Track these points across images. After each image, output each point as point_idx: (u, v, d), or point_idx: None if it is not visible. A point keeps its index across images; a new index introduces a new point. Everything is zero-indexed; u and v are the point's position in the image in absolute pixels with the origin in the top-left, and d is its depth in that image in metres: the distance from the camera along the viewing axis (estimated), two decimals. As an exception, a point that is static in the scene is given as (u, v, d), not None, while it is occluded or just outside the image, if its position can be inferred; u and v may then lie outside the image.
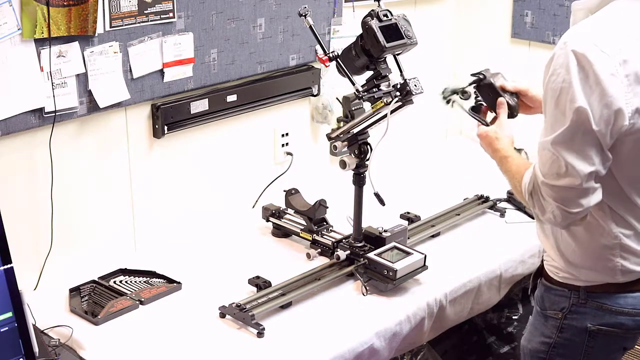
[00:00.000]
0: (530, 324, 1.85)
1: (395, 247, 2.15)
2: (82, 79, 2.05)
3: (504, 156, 1.76)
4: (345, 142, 2.09)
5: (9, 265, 1.63)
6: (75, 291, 2.06)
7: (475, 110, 1.96)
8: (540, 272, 1.83)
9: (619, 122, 1.50)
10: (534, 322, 1.83)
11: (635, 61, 1.49)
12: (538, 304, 1.81)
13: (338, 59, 2.00)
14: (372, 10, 1.97)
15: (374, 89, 2.01)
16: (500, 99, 1.89)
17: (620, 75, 1.47)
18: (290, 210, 2.41)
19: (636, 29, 1.53)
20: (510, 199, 2.60)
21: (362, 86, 2.01)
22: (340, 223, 2.32)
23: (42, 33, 1.91)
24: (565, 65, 1.49)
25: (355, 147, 2.10)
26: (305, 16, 1.99)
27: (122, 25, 2.09)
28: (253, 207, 2.65)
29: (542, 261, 1.82)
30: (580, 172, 1.51)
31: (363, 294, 2.07)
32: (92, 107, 2.09)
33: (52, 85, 1.98)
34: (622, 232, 1.64)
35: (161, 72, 2.23)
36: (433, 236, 2.42)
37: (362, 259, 2.12)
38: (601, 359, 1.74)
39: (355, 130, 2.08)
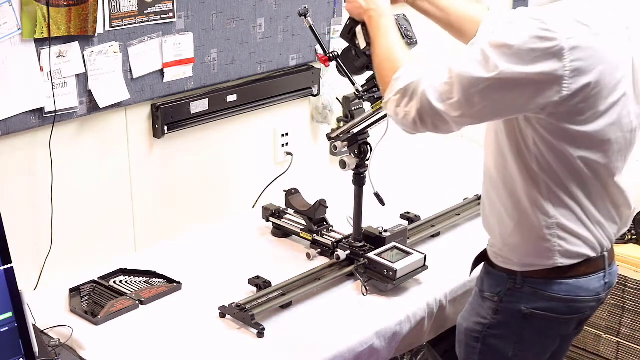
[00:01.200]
0: (469, 303, 1.88)
1: (395, 247, 2.15)
2: (82, 79, 2.05)
3: (388, 26, 1.73)
4: (345, 142, 2.09)
5: (9, 265, 1.63)
6: (75, 291, 2.06)
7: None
8: (482, 256, 1.85)
9: (550, 96, 1.50)
10: (472, 301, 1.85)
11: (583, 51, 1.48)
12: (478, 285, 1.83)
13: (338, 59, 2.00)
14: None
15: (374, 89, 2.00)
16: None
17: (568, 59, 1.47)
18: (290, 210, 2.41)
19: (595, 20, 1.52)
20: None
21: (362, 86, 2.01)
22: (340, 223, 2.32)
23: (42, 33, 1.91)
24: (527, 27, 1.48)
25: (355, 147, 2.10)
26: (305, 16, 1.99)
27: (122, 25, 2.09)
28: (253, 207, 2.65)
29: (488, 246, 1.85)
30: (463, 112, 1.54)
31: (363, 294, 2.07)
32: (92, 107, 2.09)
33: (52, 85, 1.98)
34: (559, 212, 1.64)
35: (161, 72, 2.23)
36: (433, 236, 2.42)
37: (362, 259, 2.12)
38: (535, 341, 1.76)
39: (355, 130, 2.08)
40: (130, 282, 2.13)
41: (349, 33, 1.90)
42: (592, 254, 1.69)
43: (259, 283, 2.05)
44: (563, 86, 1.48)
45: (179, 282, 2.11)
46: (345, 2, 1.87)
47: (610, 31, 1.53)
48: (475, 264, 1.88)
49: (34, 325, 1.78)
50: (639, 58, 1.61)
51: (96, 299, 2.04)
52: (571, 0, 1.55)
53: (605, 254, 1.72)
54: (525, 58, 1.47)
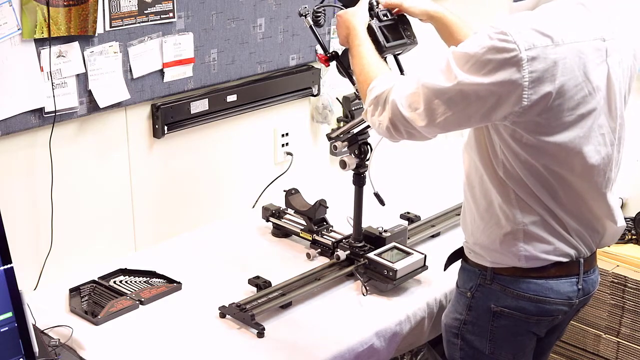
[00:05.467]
0: (450, 300, 1.91)
1: (395, 247, 2.15)
2: (82, 79, 2.05)
3: (361, 44, 1.79)
4: (345, 142, 2.09)
5: (9, 265, 1.63)
6: (75, 291, 2.06)
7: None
8: (458, 253, 1.87)
9: (512, 107, 1.50)
10: (452, 298, 1.88)
11: (542, 62, 1.47)
12: (456, 281, 1.85)
13: (338, 59, 2.00)
14: (372, 10, 1.96)
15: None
16: None
17: (527, 69, 1.47)
18: (290, 210, 2.41)
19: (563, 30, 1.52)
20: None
21: (362, 86, 2.01)
22: (340, 223, 2.32)
23: (42, 33, 1.91)
24: (486, 37, 1.48)
25: (355, 147, 2.10)
26: (305, 16, 1.99)
27: (122, 25, 2.09)
28: (253, 207, 2.65)
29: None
30: (429, 122, 1.56)
31: (363, 294, 2.07)
32: (92, 107, 2.09)
33: (52, 85, 1.98)
34: (527, 219, 1.65)
35: (161, 72, 2.23)
36: (433, 236, 2.42)
37: (362, 259, 2.12)
38: (507, 339, 1.77)
39: (355, 130, 2.08)
40: (130, 282, 2.13)
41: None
42: (563, 260, 1.69)
43: (259, 283, 2.05)
44: (523, 96, 1.48)
45: (179, 282, 2.11)
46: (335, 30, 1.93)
47: (579, 42, 1.51)
48: (450, 260, 1.91)
49: (34, 325, 1.78)
50: (615, 71, 1.59)
51: (96, 299, 2.04)
52: (541, 11, 1.55)
53: (581, 260, 1.71)
54: (484, 69, 1.48)
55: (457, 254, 1.88)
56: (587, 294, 1.77)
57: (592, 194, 1.66)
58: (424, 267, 2.13)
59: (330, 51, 2.01)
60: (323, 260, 2.24)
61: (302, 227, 2.34)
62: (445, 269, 1.93)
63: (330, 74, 2.67)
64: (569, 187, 1.63)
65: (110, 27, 2.06)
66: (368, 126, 2.07)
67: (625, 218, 2.71)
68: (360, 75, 1.76)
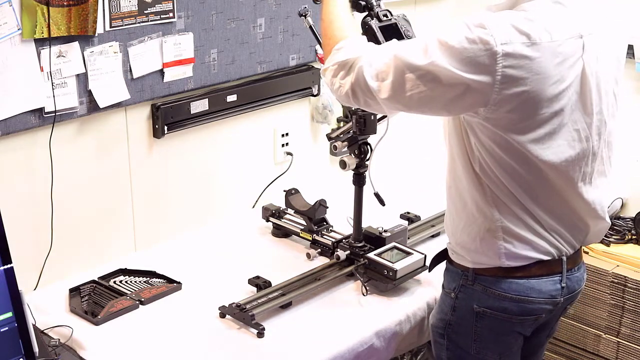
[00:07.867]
0: (437, 300, 1.92)
1: (395, 247, 2.15)
2: (82, 79, 2.05)
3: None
4: (345, 142, 2.09)
5: (9, 265, 1.63)
6: (75, 291, 2.06)
7: None
8: (442, 254, 1.87)
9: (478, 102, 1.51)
10: (439, 299, 1.89)
11: (516, 59, 1.47)
12: (442, 282, 1.86)
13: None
14: (372, 10, 1.97)
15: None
16: None
17: (501, 64, 1.47)
18: (290, 210, 2.41)
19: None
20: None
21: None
22: (340, 223, 2.32)
23: (42, 33, 1.91)
24: (466, 29, 1.49)
25: (355, 147, 2.10)
26: (305, 16, 2.00)
27: (122, 25, 2.09)
28: (253, 207, 2.65)
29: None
30: (393, 95, 1.55)
31: (363, 294, 2.07)
32: (92, 107, 2.09)
33: (52, 85, 1.98)
34: (504, 216, 1.65)
35: (161, 72, 2.23)
36: (433, 236, 2.42)
37: (362, 259, 2.12)
38: (492, 340, 1.77)
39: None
40: (130, 282, 2.13)
41: None
42: (545, 258, 1.69)
43: (259, 283, 2.05)
44: (494, 90, 1.48)
45: (179, 282, 2.11)
46: None
47: (555, 41, 1.51)
48: (435, 261, 1.91)
49: (34, 325, 1.78)
50: (591, 67, 1.58)
51: (96, 299, 2.04)
52: (520, 10, 1.55)
53: (564, 258, 1.71)
54: (458, 57, 1.48)
55: (442, 255, 1.88)
56: (573, 292, 1.77)
57: (568, 189, 1.65)
58: (424, 267, 2.13)
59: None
60: (323, 260, 2.24)
61: (302, 227, 2.34)
62: (430, 270, 1.95)
63: (330, 74, 2.67)
64: (545, 183, 1.62)
65: (110, 27, 2.07)
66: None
67: (625, 218, 2.73)
68: (329, 29, 1.72)
